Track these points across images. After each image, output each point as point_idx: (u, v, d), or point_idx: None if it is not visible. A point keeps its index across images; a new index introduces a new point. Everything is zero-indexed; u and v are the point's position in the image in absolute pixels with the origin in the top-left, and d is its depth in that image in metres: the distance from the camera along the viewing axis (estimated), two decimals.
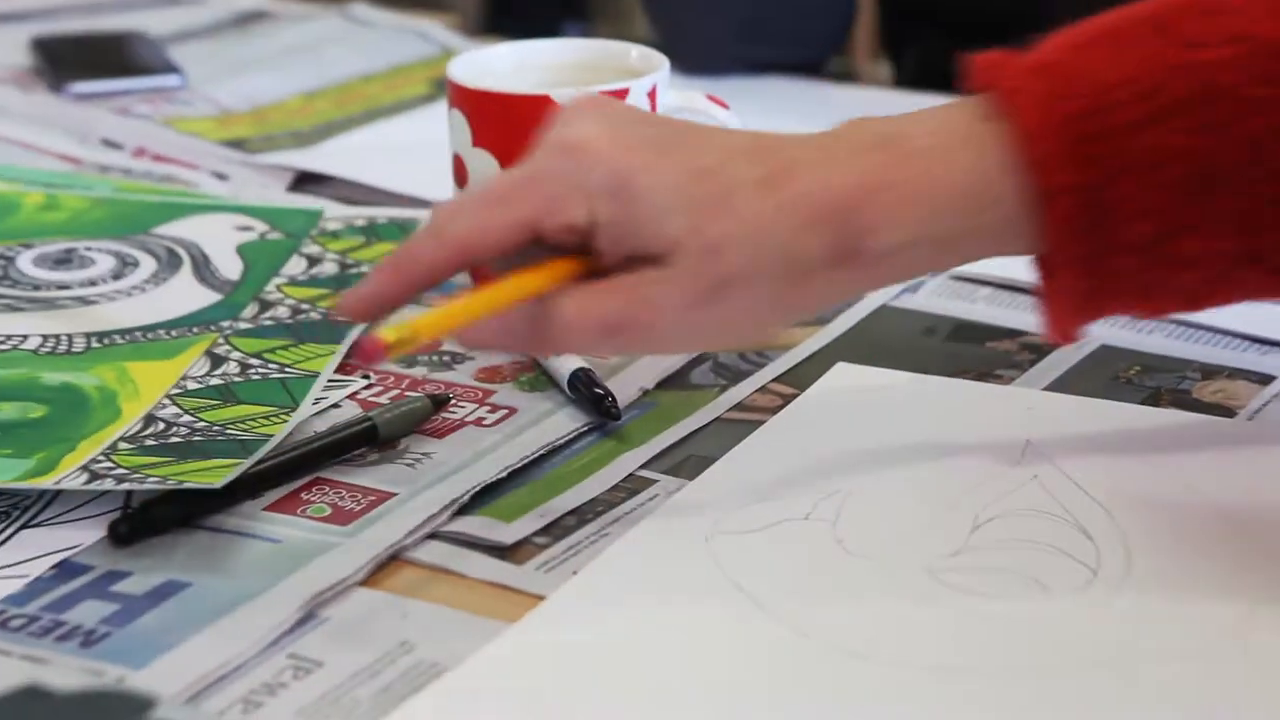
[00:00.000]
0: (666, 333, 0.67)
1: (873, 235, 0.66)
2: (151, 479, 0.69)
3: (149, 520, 0.68)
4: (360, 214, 0.97)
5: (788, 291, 0.67)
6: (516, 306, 0.66)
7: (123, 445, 0.72)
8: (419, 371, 0.82)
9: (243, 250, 0.92)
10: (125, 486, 0.69)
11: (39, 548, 0.67)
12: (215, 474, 0.68)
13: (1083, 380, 0.81)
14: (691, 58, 1.22)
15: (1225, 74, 0.64)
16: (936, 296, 0.90)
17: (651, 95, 0.87)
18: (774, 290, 0.67)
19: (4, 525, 0.68)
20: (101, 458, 0.70)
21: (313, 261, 0.91)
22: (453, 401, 0.78)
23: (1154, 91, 0.64)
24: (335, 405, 0.78)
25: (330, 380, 0.79)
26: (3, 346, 0.81)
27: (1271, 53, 0.64)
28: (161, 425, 0.74)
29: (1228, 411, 0.78)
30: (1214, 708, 0.58)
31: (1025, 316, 0.86)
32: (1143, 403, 0.79)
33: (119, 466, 0.70)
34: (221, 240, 0.93)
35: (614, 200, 0.65)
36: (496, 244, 0.67)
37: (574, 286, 0.65)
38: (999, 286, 0.91)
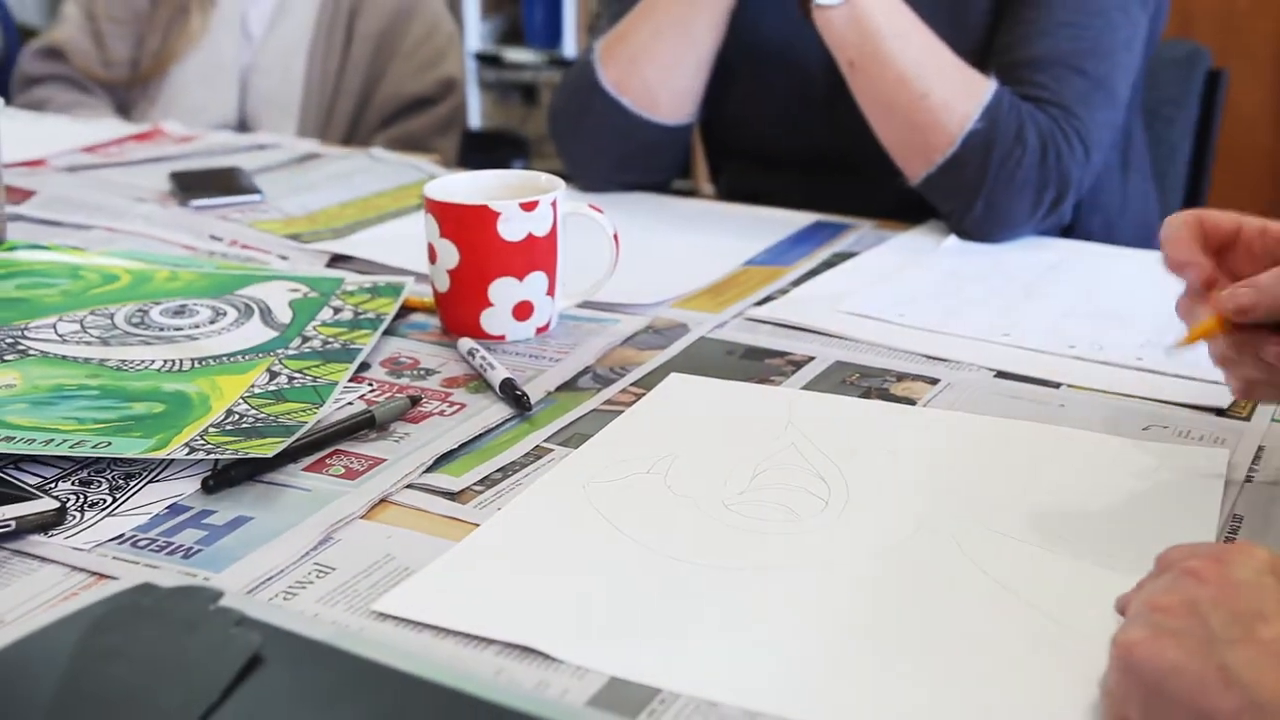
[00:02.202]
0: None
1: None
2: (228, 451, 0.67)
3: (226, 477, 0.66)
4: (368, 280, 0.96)
5: None
6: None
7: (211, 430, 0.70)
8: (404, 380, 0.81)
9: (293, 304, 0.91)
10: (211, 456, 0.67)
11: (158, 495, 0.66)
12: (269, 447, 0.67)
13: (823, 383, 0.80)
14: (583, 181, 1.21)
15: None
16: (735, 331, 0.89)
17: (553, 205, 0.85)
18: None
19: (136, 482, 0.67)
20: (198, 438, 0.69)
21: (336, 311, 0.90)
22: (423, 400, 0.77)
23: None
24: (348, 403, 0.77)
25: (345, 386, 0.78)
26: (139, 367, 0.80)
27: None
28: (236, 416, 0.73)
29: (911, 401, 0.78)
30: (885, 583, 0.58)
31: (791, 344, 0.85)
32: (860, 397, 0.78)
33: (208, 443, 0.68)
34: (279, 298, 0.92)
35: None
36: None
37: None
38: (775, 325, 0.90)
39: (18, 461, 0.68)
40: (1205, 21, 2.18)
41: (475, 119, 3.22)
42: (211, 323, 0.87)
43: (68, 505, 0.63)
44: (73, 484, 0.66)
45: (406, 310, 0.91)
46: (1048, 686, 0.50)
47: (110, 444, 0.68)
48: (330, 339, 0.84)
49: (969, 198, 1.04)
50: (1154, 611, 0.46)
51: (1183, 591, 0.46)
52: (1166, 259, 0.67)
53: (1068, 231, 1.11)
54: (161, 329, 0.86)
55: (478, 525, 0.63)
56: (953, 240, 1.07)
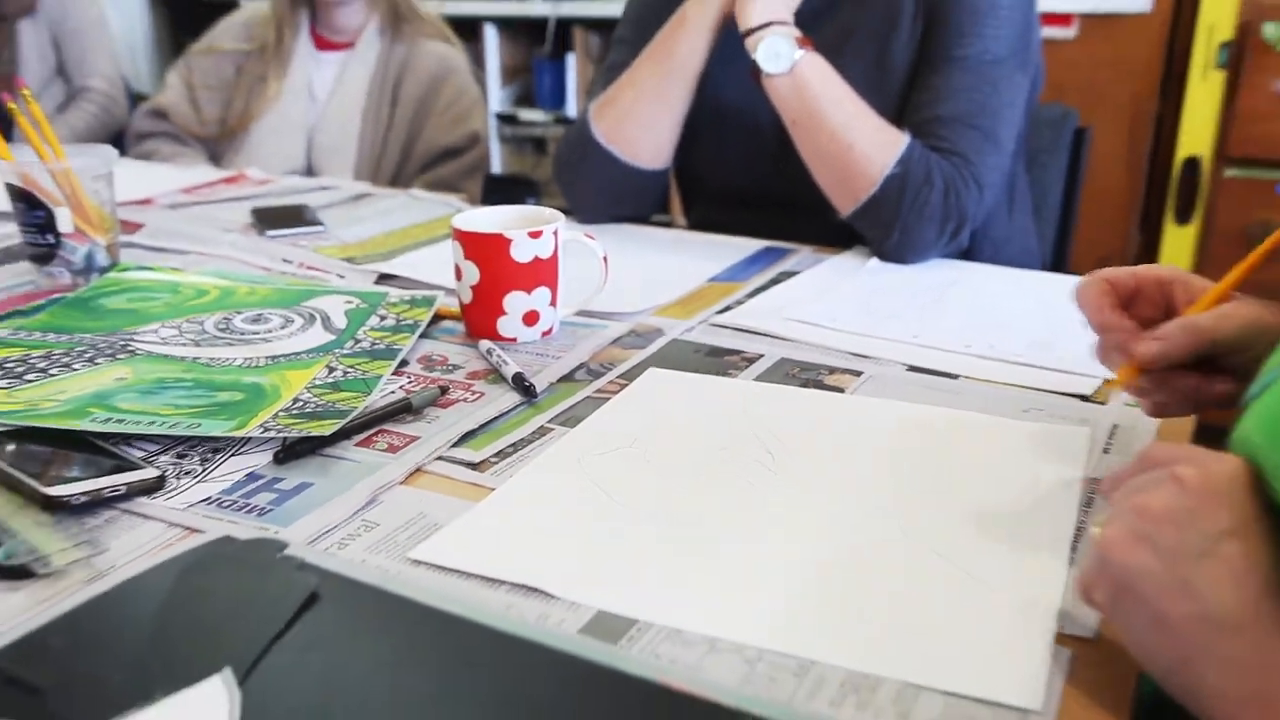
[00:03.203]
0: None
1: None
2: (294, 430, 0.67)
3: (293, 451, 0.66)
4: (407, 293, 0.96)
5: None
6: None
7: (281, 414, 0.70)
8: (436, 373, 0.80)
9: (347, 313, 0.90)
10: (280, 435, 0.67)
11: (238, 466, 0.65)
12: (327, 427, 0.67)
13: (771, 375, 0.80)
14: (580, 214, 1.21)
15: None
16: (701, 334, 0.89)
17: (555, 233, 0.85)
18: None
19: (221, 455, 0.66)
20: (270, 420, 0.68)
21: (381, 318, 0.89)
22: (450, 390, 0.76)
23: None
24: (391, 392, 0.76)
25: (388, 379, 0.77)
26: (224, 364, 0.79)
27: None
28: (301, 403, 0.72)
29: (840, 390, 0.77)
30: (821, 532, 0.57)
31: (745, 345, 0.85)
32: (800, 386, 0.78)
33: (279, 424, 0.68)
34: (336, 308, 0.91)
35: None
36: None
37: None
38: (733, 329, 0.89)
39: (128, 439, 0.67)
40: (1074, 89, 2.19)
41: (496, 165, 3.21)
42: (282, 328, 0.86)
43: (167, 474, 0.63)
44: (171, 457, 0.66)
45: (438, 318, 0.91)
46: (939, 612, 0.50)
47: (200, 425, 0.67)
48: (377, 341, 0.84)
49: (887, 228, 1.05)
50: (1137, 514, 0.43)
51: (1166, 499, 0.42)
52: (1091, 321, 0.64)
53: (965, 255, 1.11)
54: (242, 333, 0.85)
55: (494, 489, 0.62)
56: (874, 262, 1.07)
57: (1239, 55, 2.23)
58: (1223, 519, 0.41)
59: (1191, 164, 2.29)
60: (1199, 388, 0.60)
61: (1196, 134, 2.29)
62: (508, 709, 0.43)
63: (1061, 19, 2.42)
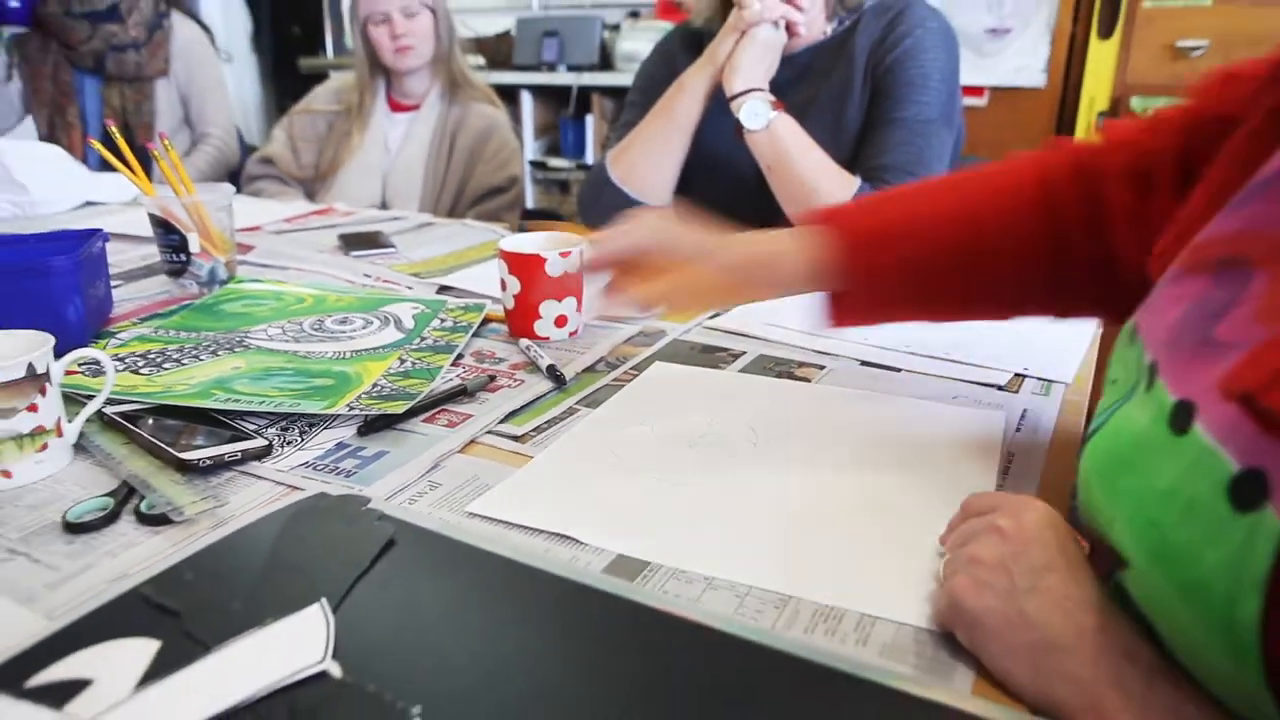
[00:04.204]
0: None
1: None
2: (374, 409, 0.66)
3: (373, 426, 0.65)
4: (463, 301, 0.95)
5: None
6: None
7: (363, 396, 0.69)
8: (485, 365, 0.79)
9: (415, 317, 0.89)
10: (363, 413, 0.66)
11: (330, 437, 0.64)
12: (400, 407, 0.66)
13: (752, 368, 0.79)
14: None
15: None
16: (697, 335, 0.87)
17: (580, 253, 0.84)
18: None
19: (316, 428, 0.65)
20: (355, 401, 0.67)
21: (442, 320, 0.88)
22: (497, 378, 0.75)
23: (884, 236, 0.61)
24: (450, 380, 0.75)
25: (447, 369, 0.76)
26: (318, 356, 0.78)
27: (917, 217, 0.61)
28: (379, 387, 0.71)
29: (807, 380, 0.76)
30: (793, 491, 0.56)
31: (732, 344, 0.84)
32: (775, 377, 0.77)
33: (362, 404, 0.67)
34: (406, 313, 0.90)
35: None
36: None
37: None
38: (722, 331, 0.88)
39: (243, 415, 0.67)
40: (985, 146, 2.18)
41: (530, 202, 3.20)
42: (363, 328, 0.85)
43: (274, 443, 0.63)
44: (277, 430, 0.65)
45: (487, 321, 0.90)
46: (890, 558, 0.49)
47: (299, 404, 0.66)
48: (438, 339, 0.83)
49: None
50: (972, 564, 0.42)
51: (992, 548, 0.42)
52: (595, 274, 0.68)
53: None
54: (332, 332, 0.84)
55: (533, 458, 0.61)
56: None
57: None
58: (1038, 557, 0.40)
59: None
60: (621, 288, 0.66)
61: None
62: (545, 633, 0.42)
63: (976, 90, 2.41)
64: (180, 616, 0.42)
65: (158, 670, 0.38)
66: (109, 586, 0.45)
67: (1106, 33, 2.22)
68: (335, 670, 0.38)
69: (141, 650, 0.39)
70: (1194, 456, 0.34)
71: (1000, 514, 0.43)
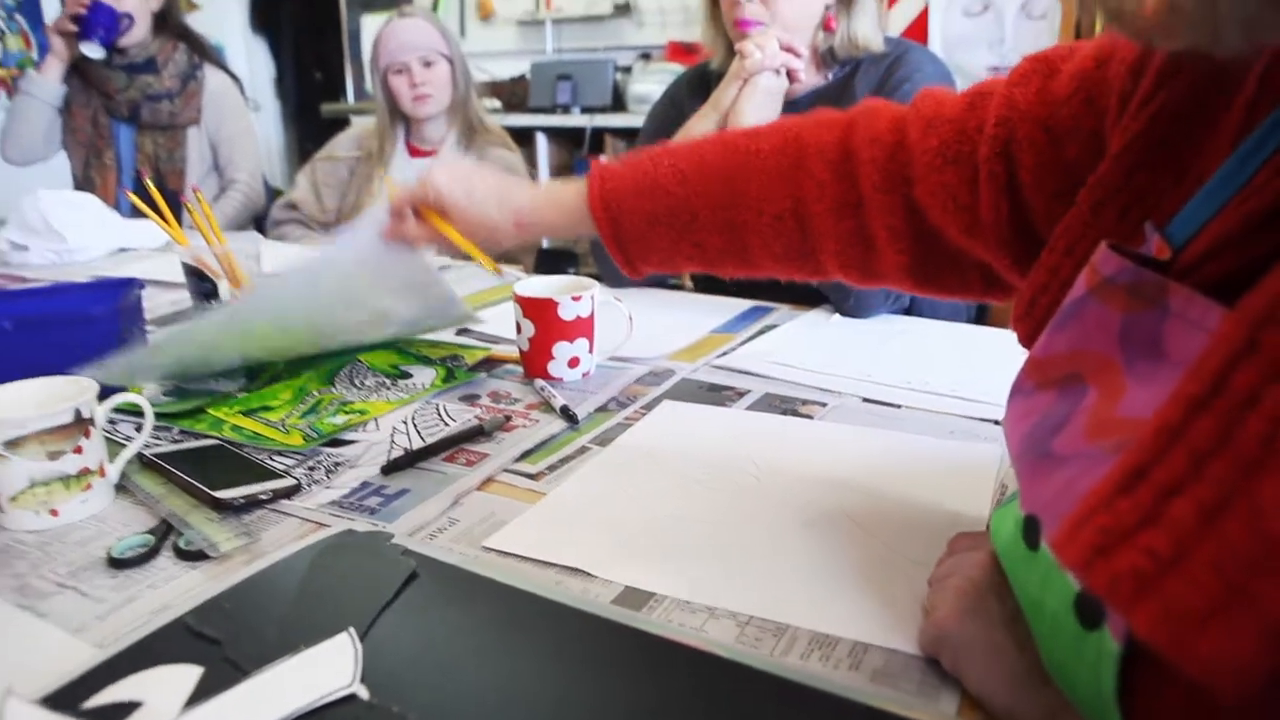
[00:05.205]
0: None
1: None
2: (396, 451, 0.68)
3: (395, 466, 0.68)
4: (479, 343, 0.96)
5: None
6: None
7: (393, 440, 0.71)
8: (501, 405, 0.81)
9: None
10: (387, 455, 0.68)
11: (355, 477, 0.67)
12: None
13: (757, 406, 0.81)
14: (610, 281, 1.22)
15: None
16: (704, 374, 0.89)
17: (592, 296, 0.87)
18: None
19: (341, 468, 0.68)
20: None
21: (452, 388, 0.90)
22: (513, 418, 0.78)
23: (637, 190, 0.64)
24: (468, 420, 0.77)
25: (465, 409, 0.79)
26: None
27: (679, 176, 0.63)
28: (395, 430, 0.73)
29: (810, 416, 0.78)
30: (794, 527, 0.57)
31: (737, 382, 0.86)
32: (779, 414, 0.79)
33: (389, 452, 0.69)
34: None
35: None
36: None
37: None
38: (728, 370, 0.90)
39: (273, 454, 0.70)
40: None
41: (544, 241, 3.24)
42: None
43: (301, 482, 0.65)
44: (304, 470, 0.68)
45: (501, 362, 0.92)
46: (884, 588, 0.51)
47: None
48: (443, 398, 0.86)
49: (846, 293, 1.06)
50: (957, 595, 0.44)
51: (975, 580, 0.44)
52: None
53: (907, 312, 1.12)
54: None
55: (546, 494, 0.63)
56: (837, 318, 1.07)
57: None
58: (1010, 600, 0.41)
59: None
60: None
61: None
62: (558, 660, 0.44)
63: None
64: (221, 644, 0.45)
65: (202, 693, 0.41)
66: (153, 617, 0.48)
67: None
68: (363, 693, 0.41)
69: (186, 675, 0.42)
70: (1044, 572, 0.35)
71: (984, 549, 0.45)
